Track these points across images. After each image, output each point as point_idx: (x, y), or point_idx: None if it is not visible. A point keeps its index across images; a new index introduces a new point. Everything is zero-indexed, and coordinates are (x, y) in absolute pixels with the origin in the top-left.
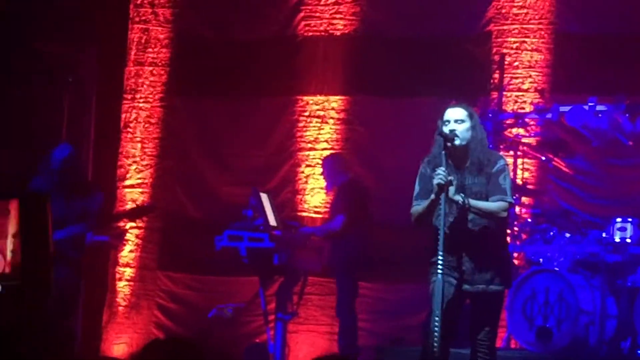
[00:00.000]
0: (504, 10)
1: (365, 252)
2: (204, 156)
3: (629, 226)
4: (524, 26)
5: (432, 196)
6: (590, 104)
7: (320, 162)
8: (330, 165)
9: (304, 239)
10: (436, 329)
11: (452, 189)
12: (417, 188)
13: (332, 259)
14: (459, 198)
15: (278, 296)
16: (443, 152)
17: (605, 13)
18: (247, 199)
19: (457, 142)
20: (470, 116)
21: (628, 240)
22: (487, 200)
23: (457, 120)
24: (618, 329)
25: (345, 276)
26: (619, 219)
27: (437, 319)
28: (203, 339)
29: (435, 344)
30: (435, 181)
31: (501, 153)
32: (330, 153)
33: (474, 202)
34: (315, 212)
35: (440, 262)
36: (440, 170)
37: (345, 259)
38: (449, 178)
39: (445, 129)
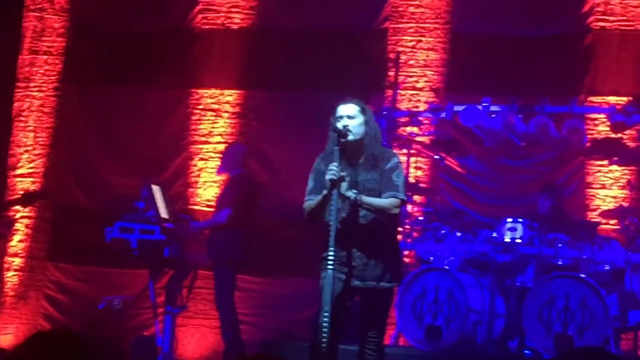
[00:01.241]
0: (400, 9)
1: (250, 246)
2: (97, 146)
3: (519, 226)
4: (420, 25)
5: (325, 192)
6: (484, 104)
7: (215, 154)
8: (233, 154)
9: (194, 232)
10: (325, 324)
11: (344, 185)
12: (310, 183)
13: (211, 250)
14: (351, 194)
15: (168, 289)
16: (336, 147)
17: (500, 14)
18: (140, 190)
19: (350, 137)
20: (363, 111)
21: (518, 241)
22: (379, 196)
23: (349, 116)
24: (506, 329)
25: (224, 269)
26: (509, 219)
27: (326, 314)
28: (90, 331)
29: (324, 340)
30: (328, 177)
31: (394, 151)
32: (236, 141)
33: (366, 198)
34: (208, 206)
35: (330, 257)
36: (333, 166)
37: (225, 251)
38: (342, 174)
39: (339, 125)
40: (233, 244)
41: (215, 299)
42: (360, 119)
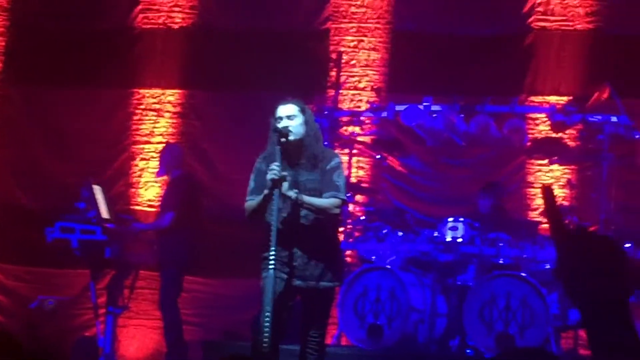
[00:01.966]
0: (342, 9)
1: (195, 246)
2: (39, 146)
3: (460, 226)
4: (362, 25)
5: (266, 191)
6: (425, 103)
7: (156, 154)
8: (169, 155)
9: (136, 232)
10: (266, 324)
11: (285, 185)
12: (252, 183)
13: (160, 252)
14: (292, 194)
15: (109, 289)
16: (277, 147)
17: (441, 14)
18: (81, 190)
19: (290, 137)
20: (303, 111)
21: (459, 240)
22: (320, 196)
23: (289, 116)
24: (447, 328)
25: (171, 270)
26: (450, 219)
27: (267, 314)
28: (30, 332)
29: (266, 340)
30: (269, 176)
31: (336, 151)
32: (172, 143)
33: (307, 198)
34: (149, 206)
35: (272, 257)
36: (274, 166)
37: (172, 253)
38: (283, 174)
39: (279, 126)
40: (180, 247)
41: (160, 301)
42: (300, 119)
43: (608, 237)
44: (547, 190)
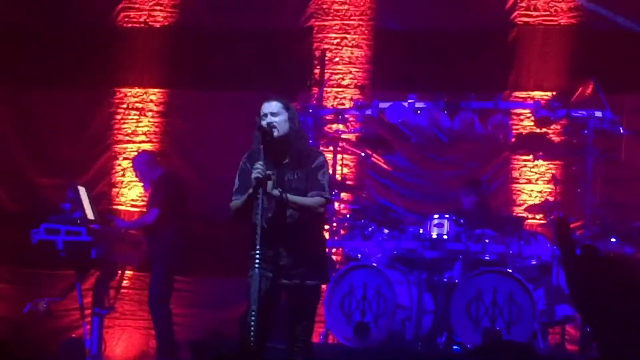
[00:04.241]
0: (325, 6)
1: (182, 245)
2: (20, 147)
3: (445, 222)
4: (345, 22)
5: (250, 190)
6: (409, 100)
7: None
8: (141, 164)
9: (120, 232)
10: (253, 323)
11: (270, 184)
12: (237, 183)
13: (149, 252)
14: (277, 193)
15: (95, 290)
16: (261, 146)
17: (424, 10)
18: (64, 191)
19: (275, 133)
20: (287, 108)
21: (445, 237)
22: (305, 195)
23: (273, 113)
24: (434, 325)
25: (161, 269)
26: (436, 216)
27: (253, 313)
28: (16, 334)
29: (252, 338)
30: (254, 175)
31: (321, 149)
32: (137, 153)
33: (292, 197)
34: (132, 205)
35: (257, 256)
36: (259, 165)
37: (161, 252)
38: (268, 172)
39: (263, 123)
40: (167, 245)
41: (148, 300)
42: (284, 115)
43: (619, 257)
44: (561, 223)
